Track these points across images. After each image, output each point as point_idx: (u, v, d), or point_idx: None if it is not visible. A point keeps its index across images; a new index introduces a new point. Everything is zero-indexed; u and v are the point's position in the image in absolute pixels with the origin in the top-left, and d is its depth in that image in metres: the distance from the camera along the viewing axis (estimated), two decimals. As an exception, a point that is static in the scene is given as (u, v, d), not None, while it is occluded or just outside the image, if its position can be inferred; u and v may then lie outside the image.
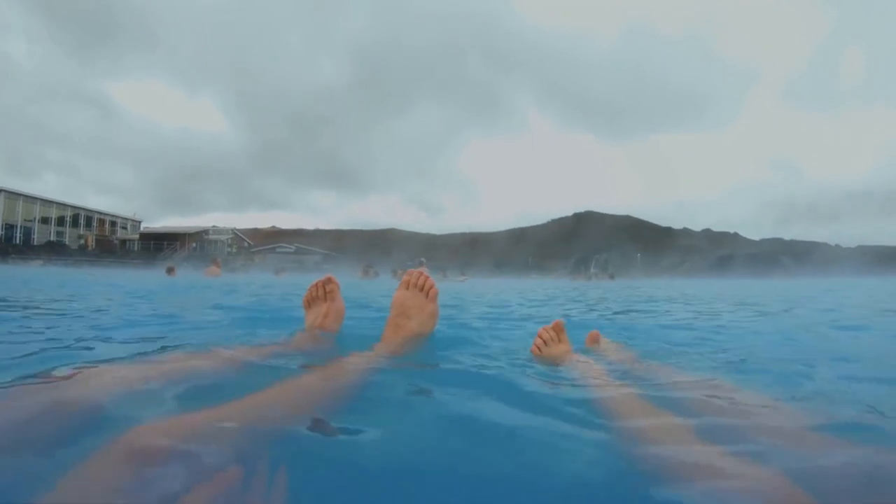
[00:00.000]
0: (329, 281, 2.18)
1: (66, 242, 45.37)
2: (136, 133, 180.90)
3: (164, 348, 1.97)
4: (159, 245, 47.11)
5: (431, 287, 2.05)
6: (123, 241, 51.22)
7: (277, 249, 53.64)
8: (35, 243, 41.90)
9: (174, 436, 0.87)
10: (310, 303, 2.18)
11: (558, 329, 2.05)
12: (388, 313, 2.04)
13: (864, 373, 1.94)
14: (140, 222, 57.07)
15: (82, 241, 47.48)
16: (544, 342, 2.01)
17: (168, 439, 0.86)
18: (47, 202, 46.48)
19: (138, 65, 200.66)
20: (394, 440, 0.98)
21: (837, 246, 77.08)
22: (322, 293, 2.17)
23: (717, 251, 75.19)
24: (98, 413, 1.03)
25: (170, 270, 15.74)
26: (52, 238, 45.00)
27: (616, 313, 4.56)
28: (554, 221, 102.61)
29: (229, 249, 48.50)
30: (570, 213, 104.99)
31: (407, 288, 2.06)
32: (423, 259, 39.82)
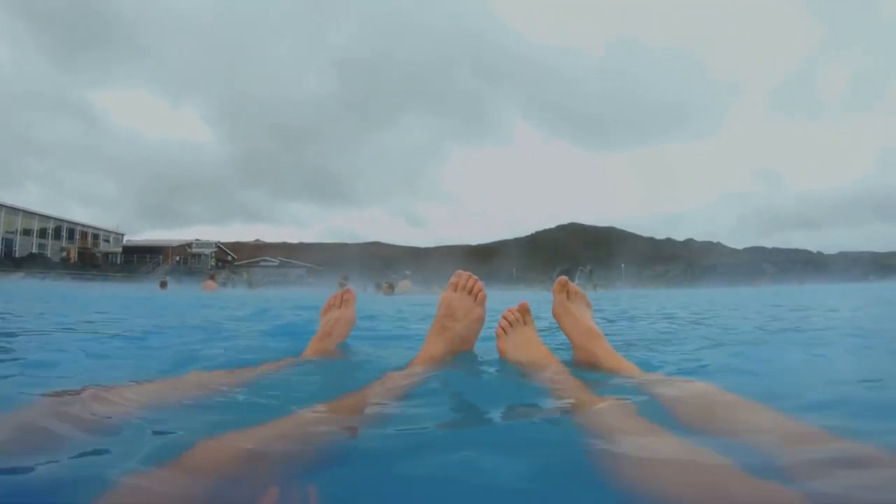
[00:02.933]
0: (347, 291, 2.36)
1: (48, 255, 45.01)
2: (119, 143, 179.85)
3: (195, 365, 2.06)
4: (142, 258, 46.90)
5: (480, 290, 2.01)
6: (106, 254, 50.85)
7: (261, 263, 53.55)
8: (16, 255, 41.54)
9: (237, 451, 0.93)
10: (325, 311, 2.29)
11: (523, 311, 1.98)
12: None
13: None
14: (123, 235, 56.70)
15: (64, 254, 47.10)
16: (509, 324, 1.94)
17: (231, 455, 0.92)
18: (29, 213, 46.02)
19: (123, 74, 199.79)
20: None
21: (819, 253, 78.04)
22: (339, 302, 2.30)
23: (701, 260, 75.93)
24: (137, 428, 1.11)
25: (162, 284, 16.13)
26: (33, 250, 44.55)
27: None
28: (539, 233, 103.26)
29: (212, 263, 48.32)
30: (554, 224, 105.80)
31: (455, 290, 2.03)
32: (407, 272, 39.97)
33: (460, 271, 2.07)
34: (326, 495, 0.84)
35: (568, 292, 2.08)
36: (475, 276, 2.04)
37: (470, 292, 2.00)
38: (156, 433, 1.07)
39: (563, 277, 2.11)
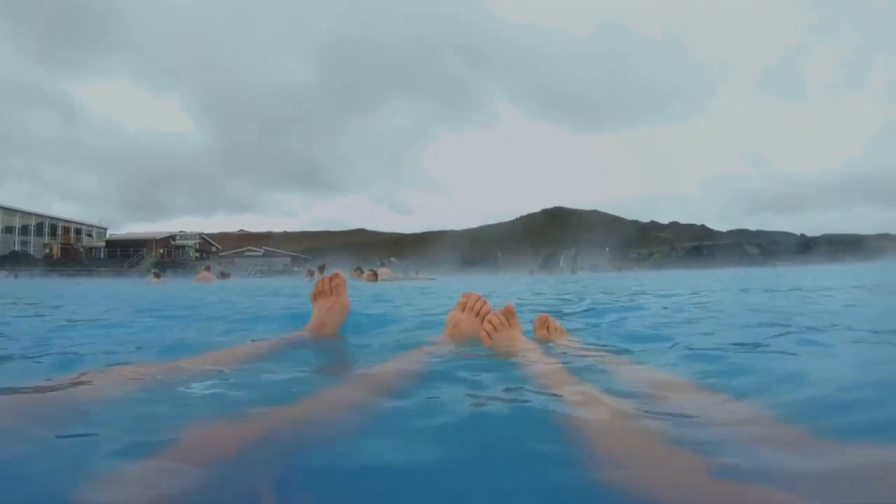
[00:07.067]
0: (336, 276, 2.24)
1: (31, 252, 44.69)
2: (100, 136, 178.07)
3: (183, 348, 2.08)
4: (126, 252, 46.51)
5: (488, 313, 2.03)
6: (89, 249, 50.35)
7: (246, 253, 53.30)
8: (-1, 254, 41.29)
9: (237, 437, 0.92)
10: (316, 297, 2.23)
11: (508, 314, 1.95)
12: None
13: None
14: (106, 229, 56.25)
15: (48, 251, 46.78)
16: (494, 328, 1.91)
17: (232, 440, 0.91)
18: (11, 211, 45.64)
19: (102, 65, 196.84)
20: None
21: (802, 235, 78.80)
22: (328, 288, 2.21)
23: (685, 243, 76.60)
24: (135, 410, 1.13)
25: (156, 276, 15.48)
26: (16, 248, 44.22)
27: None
28: (524, 217, 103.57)
29: (196, 255, 48.13)
30: (539, 208, 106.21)
31: (462, 310, 2.07)
32: (393, 258, 40.14)
33: (469, 292, 2.14)
34: (324, 483, 0.84)
35: (548, 328, 2.15)
36: (483, 299, 2.09)
37: (477, 314, 2.05)
38: (153, 417, 1.08)
39: (544, 315, 2.17)
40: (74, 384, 1.23)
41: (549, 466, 0.89)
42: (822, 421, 1.09)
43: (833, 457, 0.89)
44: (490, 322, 1.94)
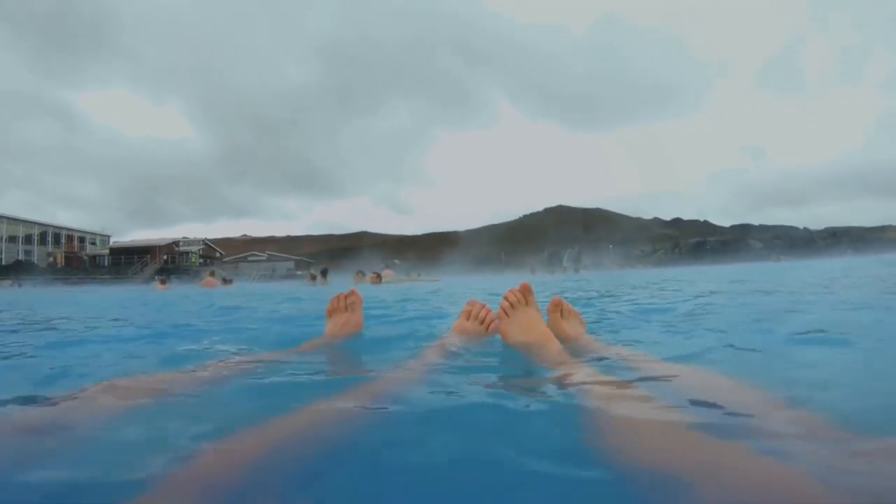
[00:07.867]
0: (352, 293, 2.27)
1: (35, 261, 44.81)
2: (101, 144, 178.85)
3: (194, 357, 2.06)
4: (130, 259, 46.53)
5: (492, 321, 2.03)
6: (93, 257, 50.50)
7: (249, 258, 53.39)
8: (3, 263, 41.39)
9: (248, 456, 0.90)
10: (331, 313, 2.25)
11: (525, 291, 1.91)
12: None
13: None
14: (109, 237, 56.36)
15: (51, 259, 46.89)
16: (511, 305, 1.90)
17: (242, 459, 0.89)
18: (14, 220, 45.80)
19: (102, 73, 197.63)
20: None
21: (805, 229, 78.68)
22: (344, 304, 2.25)
23: (689, 239, 76.48)
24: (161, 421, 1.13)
25: (162, 282, 15.21)
26: (20, 257, 44.36)
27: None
28: (526, 216, 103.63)
29: (198, 261, 48.17)
30: (541, 207, 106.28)
31: (467, 319, 2.07)
32: (396, 261, 40.20)
33: (473, 300, 2.14)
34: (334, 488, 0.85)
35: (562, 311, 2.11)
36: (487, 307, 2.08)
37: (482, 323, 2.04)
38: (161, 436, 1.05)
39: (557, 297, 2.13)
40: (80, 398, 1.22)
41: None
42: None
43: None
44: (506, 299, 1.91)
